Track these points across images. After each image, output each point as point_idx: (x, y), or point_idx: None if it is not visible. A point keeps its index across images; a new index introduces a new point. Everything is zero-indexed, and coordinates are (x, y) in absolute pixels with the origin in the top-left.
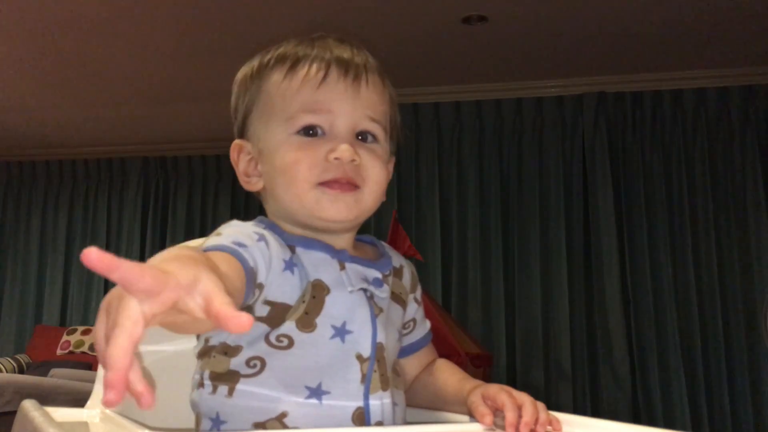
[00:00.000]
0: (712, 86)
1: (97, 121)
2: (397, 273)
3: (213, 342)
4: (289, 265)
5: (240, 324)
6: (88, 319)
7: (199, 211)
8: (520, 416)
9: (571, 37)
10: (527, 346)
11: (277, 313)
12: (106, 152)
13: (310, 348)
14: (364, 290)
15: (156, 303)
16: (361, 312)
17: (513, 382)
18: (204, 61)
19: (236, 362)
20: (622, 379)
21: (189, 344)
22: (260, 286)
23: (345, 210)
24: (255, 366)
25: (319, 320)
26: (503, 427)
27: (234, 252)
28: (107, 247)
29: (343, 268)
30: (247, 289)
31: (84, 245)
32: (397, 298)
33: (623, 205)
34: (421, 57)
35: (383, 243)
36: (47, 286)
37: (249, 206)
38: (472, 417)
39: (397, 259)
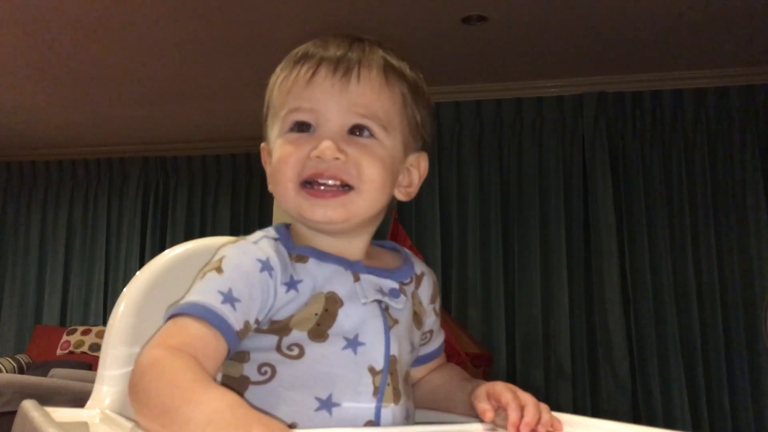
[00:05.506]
0: (712, 86)
1: (97, 121)
2: (418, 281)
3: None
4: (292, 285)
5: None
6: (88, 319)
7: (199, 211)
8: (522, 416)
9: (571, 37)
10: (527, 346)
11: (284, 324)
12: (106, 152)
13: (322, 358)
14: (379, 302)
15: None
16: (374, 324)
17: (513, 382)
18: (204, 61)
19: (248, 368)
20: (622, 379)
21: None
22: (256, 322)
23: (330, 212)
24: (266, 373)
25: (331, 332)
26: (505, 427)
27: (217, 322)
28: (107, 247)
29: (357, 279)
30: (231, 346)
31: (84, 245)
32: (416, 308)
33: (623, 205)
34: (421, 57)
35: (406, 250)
36: (47, 286)
37: (249, 206)
38: (476, 416)
39: (419, 267)
